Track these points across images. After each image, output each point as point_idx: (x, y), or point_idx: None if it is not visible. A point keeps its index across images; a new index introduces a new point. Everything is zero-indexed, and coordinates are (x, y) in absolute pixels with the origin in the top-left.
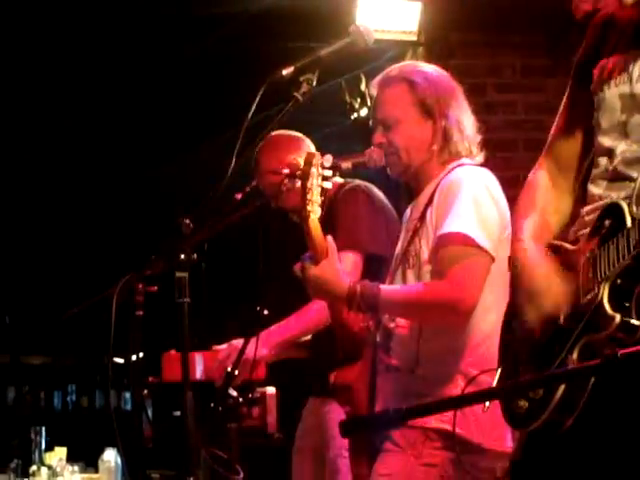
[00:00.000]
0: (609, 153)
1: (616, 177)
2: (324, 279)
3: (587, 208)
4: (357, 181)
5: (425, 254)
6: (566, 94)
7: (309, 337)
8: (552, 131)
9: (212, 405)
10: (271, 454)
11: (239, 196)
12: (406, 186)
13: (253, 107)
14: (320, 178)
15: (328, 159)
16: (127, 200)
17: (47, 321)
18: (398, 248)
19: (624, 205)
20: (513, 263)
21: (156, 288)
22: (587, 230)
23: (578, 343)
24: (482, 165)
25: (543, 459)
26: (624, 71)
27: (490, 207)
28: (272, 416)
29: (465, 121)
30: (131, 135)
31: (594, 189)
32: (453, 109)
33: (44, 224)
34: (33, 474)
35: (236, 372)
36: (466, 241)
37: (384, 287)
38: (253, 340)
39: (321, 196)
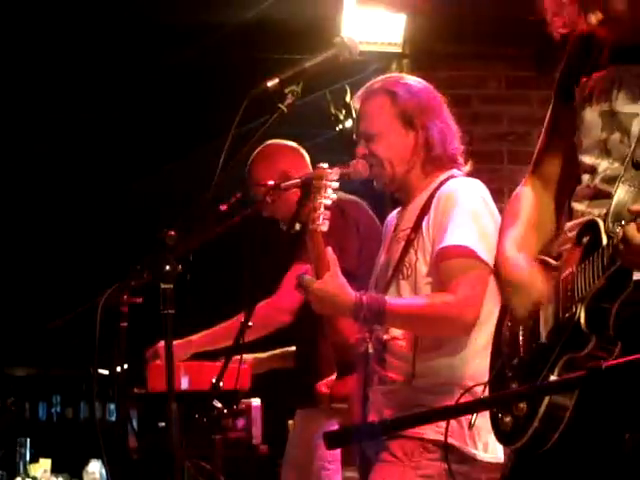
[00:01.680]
0: (592, 170)
1: (597, 194)
2: (330, 292)
3: (569, 224)
4: (340, 194)
5: (421, 265)
6: (549, 110)
7: (294, 349)
8: (537, 147)
9: (197, 416)
10: (256, 465)
11: (224, 207)
12: (391, 197)
13: (238, 119)
14: (328, 191)
15: (336, 172)
16: (112, 211)
17: (32, 332)
18: (383, 258)
19: (601, 223)
20: (497, 269)
21: (141, 299)
22: (568, 246)
23: (559, 361)
24: (467, 176)
25: (530, 475)
26: (604, 89)
27: (488, 219)
28: (257, 427)
29: (448, 132)
30: (115, 146)
31: (577, 205)
32: (435, 120)
33: (29, 235)
34: None
35: (221, 383)
36: (468, 254)
37: (390, 298)
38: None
39: (327, 209)
